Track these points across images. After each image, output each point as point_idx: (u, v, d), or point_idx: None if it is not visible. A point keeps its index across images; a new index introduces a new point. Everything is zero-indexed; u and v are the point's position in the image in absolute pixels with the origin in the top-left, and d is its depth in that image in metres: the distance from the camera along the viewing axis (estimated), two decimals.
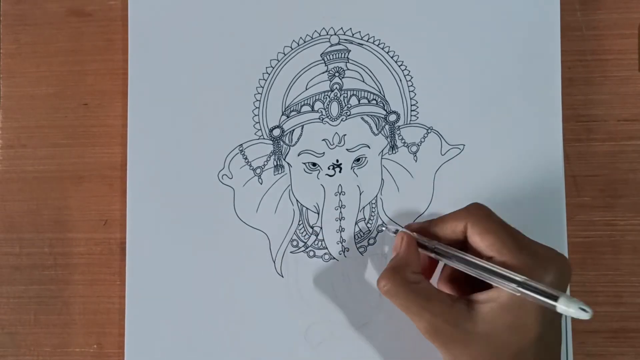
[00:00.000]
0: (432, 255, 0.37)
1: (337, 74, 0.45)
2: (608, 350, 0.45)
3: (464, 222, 0.36)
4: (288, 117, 0.45)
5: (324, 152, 0.45)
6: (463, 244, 0.37)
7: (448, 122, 0.45)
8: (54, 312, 0.46)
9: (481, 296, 0.34)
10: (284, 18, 0.46)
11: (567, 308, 0.30)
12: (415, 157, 0.45)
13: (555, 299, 0.31)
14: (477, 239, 0.35)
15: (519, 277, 0.32)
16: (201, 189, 0.45)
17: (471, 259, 0.35)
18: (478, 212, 0.35)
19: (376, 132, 0.45)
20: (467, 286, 0.37)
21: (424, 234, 0.39)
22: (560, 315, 0.33)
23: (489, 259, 0.35)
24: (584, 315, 0.29)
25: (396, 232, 0.40)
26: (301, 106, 0.45)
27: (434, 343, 0.35)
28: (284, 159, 0.45)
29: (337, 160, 0.45)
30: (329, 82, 0.45)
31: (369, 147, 0.45)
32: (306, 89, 0.45)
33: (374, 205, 0.45)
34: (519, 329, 0.33)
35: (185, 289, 0.44)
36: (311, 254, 0.45)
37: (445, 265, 0.39)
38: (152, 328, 0.44)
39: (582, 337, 0.45)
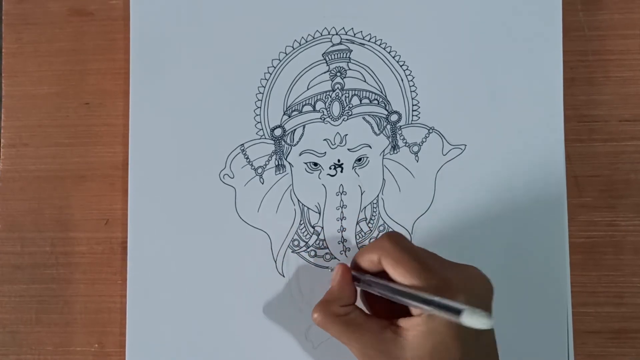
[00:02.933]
0: (362, 287, 0.39)
1: (338, 74, 0.45)
2: (609, 351, 0.45)
3: (377, 255, 0.37)
4: (290, 116, 0.45)
5: (325, 152, 0.45)
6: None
7: (449, 122, 0.45)
8: (56, 311, 0.46)
9: (407, 323, 0.35)
10: (286, 18, 0.46)
11: (470, 320, 0.31)
12: (416, 157, 0.45)
13: (460, 313, 0.31)
14: (390, 271, 0.36)
15: (427, 297, 0.33)
16: (202, 189, 0.45)
17: (387, 286, 0.36)
18: (387, 244, 0.37)
19: (378, 132, 0.45)
20: (401, 311, 0.38)
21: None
22: (483, 332, 0.34)
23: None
24: (486, 324, 0.30)
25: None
26: (303, 106, 0.45)
27: None
28: (286, 159, 0.45)
29: (339, 160, 0.45)
30: (330, 81, 0.45)
31: (370, 147, 0.45)
32: (308, 89, 0.45)
33: (375, 205, 0.45)
34: (442, 353, 0.34)
35: (186, 289, 0.44)
36: (312, 253, 0.45)
37: None
38: (153, 327, 0.44)
39: (583, 338, 0.45)
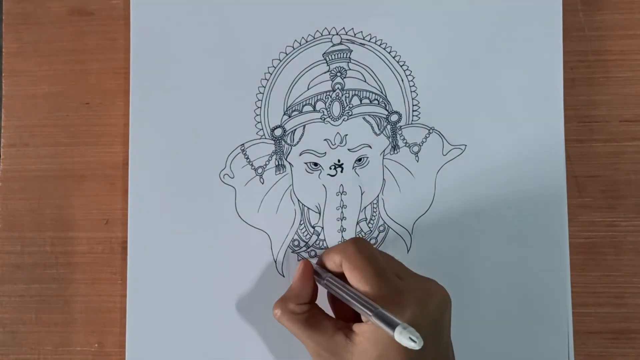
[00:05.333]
0: (322, 285, 0.40)
1: (339, 74, 0.45)
2: (609, 352, 0.45)
3: (339, 257, 0.38)
4: (290, 116, 0.45)
5: (325, 152, 0.45)
6: None
7: (450, 123, 0.45)
8: (56, 311, 0.46)
9: (358, 328, 0.36)
10: (286, 18, 0.46)
11: (400, 337, 0.32)
12: (416, 157, 0.45)
13: (394, 327, 0.32)
14: (348, 274, 0.37)
15: (372, 305, 0.35)
16: (202, 189, 0.45)
17: (342, 287, 0.37)
18: (350, 249, 0.38)
19: (378, 132, 0.45)
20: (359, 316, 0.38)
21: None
22: (431, 346, 0.35)
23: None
24: (413, 345, 0.31)
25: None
26: (303, 106, 0.45)
27: None
28: (286, 159, 0.45)
29: (339, 160, 0.45)
30: (330, 82, 0.45)
31: (370, 147, 0.45)
32: (308, 89, 0.45)
33: (375, 206, 0.45)
34: None
35: (186, 288, 0.44)
36: (312, 253, 0.45)
37: None
38: (153, 327, 0.44)
39: (583, 338, 0.45)
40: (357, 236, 0.40)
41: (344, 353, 0.36)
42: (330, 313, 0.41)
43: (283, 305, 0.39)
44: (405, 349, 0.34)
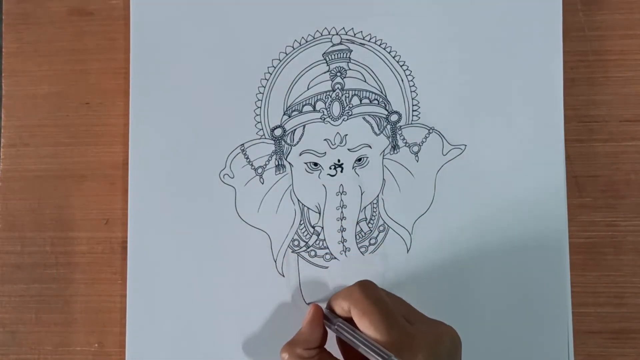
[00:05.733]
0: (332, 330, 0.39)
1: (338, 74, 0.45)
2: (609, 351, 0.45)
3: (347, 303, 0.38)
4: (290, 116, 0.45)
5: (325, 152, 0.45)
6: None
7: (450, 123, 0.45)
8: (56, 311, 0.46)
9: None
10: (286, 18, 0.46)
11: None
12: (416, 157, 0.45)
13: None
14: (357, 320, 0.37)
15: (384, 352, 0.34)
16: (202, 189, 0.45)
17: (353, 334, 0.37)
18: (357, 294, 0.37)
19: (378, 132, 0.45)
20: None
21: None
22: None
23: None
24: None
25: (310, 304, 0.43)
26: (303, 106, 0.45)
27: None
28: (286, 159, 0.45)
29: (339, 160, 0.45)
30: (330, 82, 0.45)
31: (370, 147, 0.45)
32: (308, 89, 0.45)
33: (375, 205, 0.45)
34: None
35: (186, 288, 0.44)
36: (312, 253, 0.45)
37: None
38: (153, 327, 0.44)
39: (583, 338, 0.45)
40: (362, 280, 0.39)
41: None
42: (339, 356, 0.40)
43: (291, 349, 0.39)
44: None
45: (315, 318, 0.40)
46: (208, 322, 0.44)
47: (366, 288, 0.38)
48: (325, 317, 0.40)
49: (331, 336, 0.40)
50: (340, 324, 0.38)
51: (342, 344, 0.40)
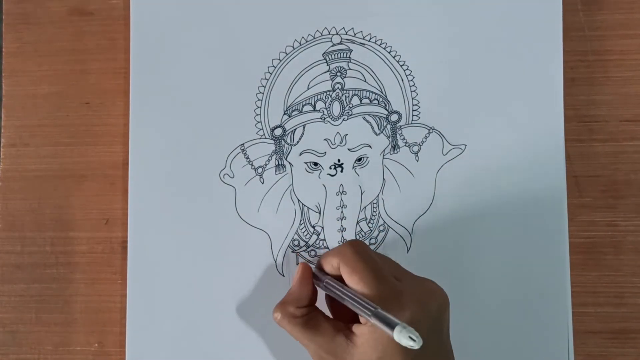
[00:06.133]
0: (322, 288, 0.40)
1: (339, 74, 0.45)
2: (609, 351, 0.45)
3: (337, 260, 0.38)
4: (290, 116, 0.45)
5: (325, 152, 0.45)
6: None
7: (450, 122, 0.45)
8: (56, 311, 0.46)
9: (358, 329, 0.37)
10: (286, 17, 0.46)
11: (399, 336, 0.32)
12: (416, 157, 0.45)
13: (393, 327, 0.32)
14: (346, 277, 0.37)
15: (371, 305, 0.35)
16: (202, 188, 0.45)
17: (341, 289, 0.37)
18: (348, 251, 0.38)
19: (378, 132, 0.45)
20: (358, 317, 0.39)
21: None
22: (430, 346, 0.35)
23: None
24: (412, 344, 0.31)
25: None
26: (303, 106, 0.45)
27: None
28: (286, 159, 0.45)
29: (339, 160, 0.45)
30: (330, 81, 0.45)
31: (370, 146, 0.45)
32: (308, 89, 0.45)
33: (375, 205, 0.45)
34: None
35: (186, 288, 0.44)
36: (312, 253, 0.45)
37: None
38: (153, 327, 0.44)
39: (583, 338, 0.45)
40: (354, 238, 0.40)
41: (345, 355, 0.36)
42: (329, 314, 0.41)
43: (283, 308, 0.39)
44: (405, 350, 0.34)
45: (304, 277, 0.40)
46: (208, 322, 0.44)
47: (357, 246, 0.38)
48: (314, 275, 0.40)
49: (321, 299, 0.41)
50: (329, 281, 0.39)
51: (331, 301, 0.41)
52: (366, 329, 0.36)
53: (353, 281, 0.37)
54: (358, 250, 0.38)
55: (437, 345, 0.37)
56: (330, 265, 0.39)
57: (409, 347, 0.31)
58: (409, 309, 0.35)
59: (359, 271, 0.37)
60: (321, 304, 0.41)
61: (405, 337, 0.32)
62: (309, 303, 0.40)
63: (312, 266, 0.41)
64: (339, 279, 0.38)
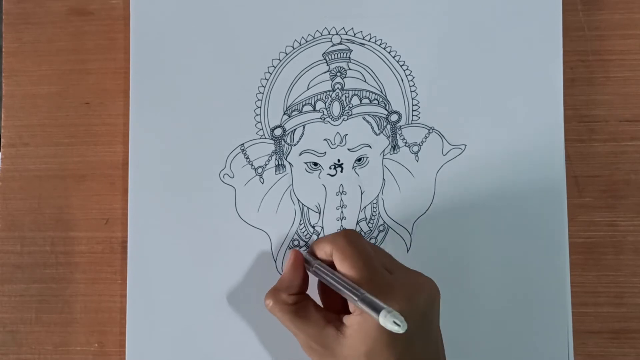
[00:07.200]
0: (312, 272, 0.40)
1: (338, 74, 0.45)
2: (609, 351, 0.45)
3: (330, 247, 0.38)
4: (290, 116, 0.45)
5: (325, 152, 0.45)
6: None
7: (449, 122, 0.45)
8: (56, 311, 0.46)
9: (348, 320, 0.37)
10: (286, 17, 0.46)
11: (384, 321, 0.32)
12: (416, 157, 0.45)
13: (379, 312, 0.32)
14: (338, 264, 0.38)
15: (357, 290, 0.35)
16: (202, 188, 0.45)
17: (330, 274, 0.38)
18: (341, 239, 0.38)
19: (378, 132, 0.45)
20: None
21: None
22: (420, 339, 0.36)
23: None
24: (397, 329, 0.31)
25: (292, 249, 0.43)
26: (303, 106, 0.45)
27: (310, 357, 0.38)
28: (286, 159, 0.45)
29: (339, 160, 0.45)
30: (330, 81, 0.45)
31: (370, 147, 0.45)
32: (308, 89, 0.45)
33: (375, 205, 0.45)
34: (374, 357, 0.35)
35: (186, 288, 0.44)
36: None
37: None
38: (153, 327, 0.44)
39: (583, 338, 0.45)
40: (347, 228, 0.40)
41: (335, 346, 0.36)
42: (320, 303, 0.41)
43: (274, 295, 0.39)
44: (394, 342, 0.34)
45: (296, 262, 0.40)
46: (208, 322, 0.44)
47: (350, 235, 0.39)
48: (305, 260, 0.41)
49: (312, 285, 0.41)
50: (319, 265, 0.39)
51: (322, 289, 0.41)
52: (355, 320, 0.36)
53: (344, 267, 0.37)
54: (351, 239, 0.38)
55: (426, 338, 0.37)
56: (323, 251, 0.39)
57: (395, 331, 0.31)
58: (398, 302, 0.35)
59: (350, 258, 0.37)
60: (313, 293, 0.41)
61: (390, 322, 0.32)
62: (300, 290, 0.40)
63: (304, 252, 0.41)
64: (331, 265, 0.39)
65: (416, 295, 0.36)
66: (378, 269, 0.37)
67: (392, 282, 0.37)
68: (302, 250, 0.42)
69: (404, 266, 0.40)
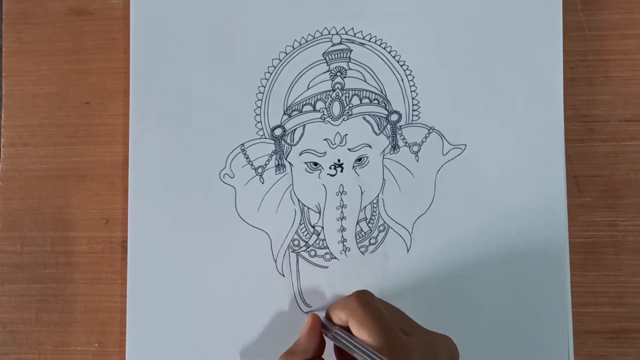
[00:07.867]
0: (330, 338, 0.39)
1: (338, 74, 0.45)
2: (609, 351, 0.45)
3: (345, 313, 0.38)
4: (290, 116, 0.45)
5: (325, 152, 0.45)
6: None
7: (449, 122, 0.45)
8: (56, 311, 0.46)
9: None
10: (286, 17, 0.46)
11: None
12: (416, 157, 0.45)
13: None
14: (355, 331, 0.37)
15: (380, 359, 0.34)
16: (203, 188, 0.45)
17: (350, 341, 0.37)
18: (355, 304, 0.38)
19: (378, 131, 0.45)
20: None
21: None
22: None
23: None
24: None
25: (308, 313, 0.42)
26: (303, 106, 0.45)
27: None
28: (286, 159, 0.45)
29: (339, 160, 0.45)
30: (330, 81, 0.45)
31: (370, 146, 0.45)
32: (308, 89, 0.45)
33: (375, 205, 0.45)
34: None
35: (186, 288, 0.44)
36: (312, 253, 0.45)
37: None
38: (153, 326, 0.44)
39: (583, 338, 0.45)
40: (359, 290, 0.39)
41: None
42: None
43: (289, 359, 0.39)
44: None
45: (313, 327, 0.40)
46: (208, 322, 0.44)
47: (364, 298, 0.38)
48: (323, 325, 0.40)
49: (329, 348, 0.40)
50: (338, 331, 0.38)
51: (340, 352, 0.40)
52: None
53: (362, 335, 0.36)
54: (366, 303, 0.37)
55: None
56: (338, 317, 0.39)
57: None
58: None
59: (367, 326, 0.36)
60: (329, 354, 0.40)
61: None
62: (315, 355, 0.39)
63: (321, 316, 0.41)
64: (348, 329, 0.38)
65: (435, 358, 0.36)
66: (396, 333, 0.37)
67: (410, 345, 0.36)
68: (319, 314, 0.41)
69: (419, 326, 0.39)
